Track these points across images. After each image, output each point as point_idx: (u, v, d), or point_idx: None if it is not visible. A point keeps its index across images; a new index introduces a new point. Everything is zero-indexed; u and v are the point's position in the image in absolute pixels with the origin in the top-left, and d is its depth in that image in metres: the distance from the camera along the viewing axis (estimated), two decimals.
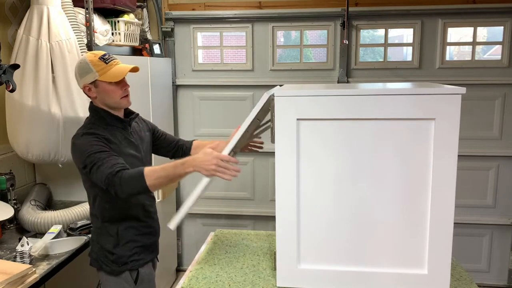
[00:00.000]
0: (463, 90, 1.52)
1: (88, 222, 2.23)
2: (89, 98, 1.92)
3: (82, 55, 2.40)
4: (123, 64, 1.89)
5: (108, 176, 1.67)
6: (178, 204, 3.81)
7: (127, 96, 1.90)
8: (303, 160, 1.62)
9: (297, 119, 1.59)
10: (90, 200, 1.92)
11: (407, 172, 1.60)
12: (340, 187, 1.62)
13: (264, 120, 1.78)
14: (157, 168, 1.69)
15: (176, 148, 2.20)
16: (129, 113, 1.99)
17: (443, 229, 1.61)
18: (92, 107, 1.90)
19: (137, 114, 2.04)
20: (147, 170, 1.67)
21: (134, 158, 1.90)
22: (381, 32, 3.56)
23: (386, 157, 1.57)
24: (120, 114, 1.94)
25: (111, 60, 1.85)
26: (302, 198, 1.64)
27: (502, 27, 3.38)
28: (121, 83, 1.87)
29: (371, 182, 1.61)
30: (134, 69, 1.90)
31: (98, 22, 2.70)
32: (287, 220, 1.66)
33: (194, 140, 2.23)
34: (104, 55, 1.85)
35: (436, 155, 1.57)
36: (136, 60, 3.00)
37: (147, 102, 3.04)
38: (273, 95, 1.58)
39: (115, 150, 1.81)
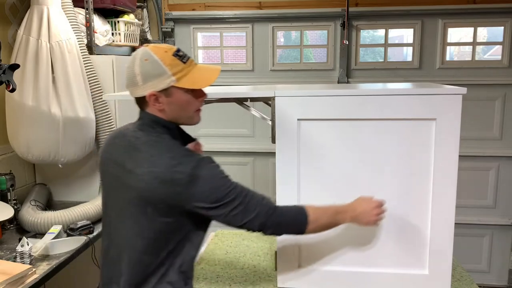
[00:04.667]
0: (464, 90, 1.52)
1: (88, 222, 2.22)
2: (151, 108, 1.35)
3: (85, 57, 2.39)
4: (201, 63, 1.46)
5: (268, 212, 1.34)
6: None
7: (199, 110, 1.41)
8: (303, 160, 1.62)
9: (298, 119, 1.59)
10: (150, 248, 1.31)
11: (408, 172, 1.60)
12: (341, 187, 1.62)
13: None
14: (318, 211, 1.43)
15: None
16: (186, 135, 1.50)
17: (444, 230, 1.61)
18: (160, 122, 1.34)
19: (195, 139, 1.52)
20: (311, 213, 1.40)
21: None
22: (381, 32, 3.56)
23: (387, 158, 1.57)
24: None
25: (188, 59, 1.34)
26: (303, 198, 1.64)
27: (502, 27, 3.38)
28: (198, 92, 1.37)
29: (371, 182, 1.61)
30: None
31: (98, 22, 2.70)
32: None
33: None
34: (178, 50, 1.34)
35: (437, 155, 1.57)
36: None
37: None
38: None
39: None
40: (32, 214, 2.27)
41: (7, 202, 2.29)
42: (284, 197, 1.63)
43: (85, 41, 2.53)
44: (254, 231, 1.36)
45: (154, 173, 1.25)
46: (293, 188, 1.63)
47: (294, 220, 1.40)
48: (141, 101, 1.36)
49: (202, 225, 1.38)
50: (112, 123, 2.54)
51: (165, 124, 1.34)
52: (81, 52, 2.42)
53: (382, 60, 3.57)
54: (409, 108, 1.55)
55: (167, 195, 1.25)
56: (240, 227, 1.34)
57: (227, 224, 1.34)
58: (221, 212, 1.30)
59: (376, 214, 1.48)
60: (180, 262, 1.33)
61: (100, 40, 2.70)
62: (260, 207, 1.34)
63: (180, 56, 1.32)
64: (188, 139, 1.46)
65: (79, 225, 2.19)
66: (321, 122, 1.60)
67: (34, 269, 1.78)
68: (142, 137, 1.34)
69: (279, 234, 1.45)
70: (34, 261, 1.91)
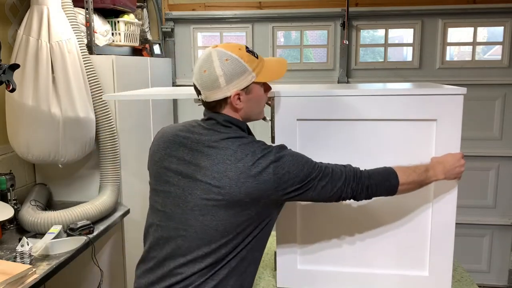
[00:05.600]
0: (464, 90, 1.52)
1: (88, 222, 2.22)
2: (227, 109, 1.36)
3: (85, 57, 2.39)
4: (267, 57, 1.45)
5: (355, 176, 1.36)
6: None
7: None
8: None
9: (297, 120, 1.59)
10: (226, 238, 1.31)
11: None
12: None
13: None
14: (408, 170, 1.43)
15: None
16: None
17: (444, 231, 1.60)
18: (233, 121, 1.37)
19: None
20: (400, 173, 1.42)
21: None
22: (381, 32, 3.56)
23: (387, 158, 1.57)
24: None
25: (257, 54, 1.39)
26: None
27: (502, 27, 3.38)
28: (267, 86, 1.42)
29: None
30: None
31: (98, 22, 2.70)
32: (287, 221, 1.66)
33: None
34: (247, 47, 1.37)
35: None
36: (136, 61, 3.00)
37: (147, 103, 3.04)
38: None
39: None
40: (32, 214, 2.27)
41: (7, 202, 2.29)
42: None
43: (85, 41, 2.53)
44: (346, 198, 1.37)
45: (239, 169, 1.26)
46: None
47: (385, 181, 1.39)
48: (219, 103, 1.35)
49: (274, 218, 1.40)
50: (112, 123, 2.54)
51: (238, 123, 1.36)
52: (81, 52, 2.42)
53: (382, 60, 3.57)
54: (410, 108, 1.55)
55: (255, 188, 1.26)
56: (331, 197, 1.36)
57: (318, 198, 1.36)
58: (312, 187, 1.31)
59: (462, 165, 1.49)
60: (247, 263, 1.35)
61: (100, 40, 2.70)
62: (346, 173, 1.36)
63: (252, 52, 1.35)
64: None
65: (79, 225, 2.19)
66: (320, 122, 1.59)
67: (34, 269, 1.78)
68: (215, 135, 1.34)
69: (371, 196, 1.41)
70: (34, 261, 1.91)
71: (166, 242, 1.35)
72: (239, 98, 1.33)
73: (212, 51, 1.34)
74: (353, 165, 1.41)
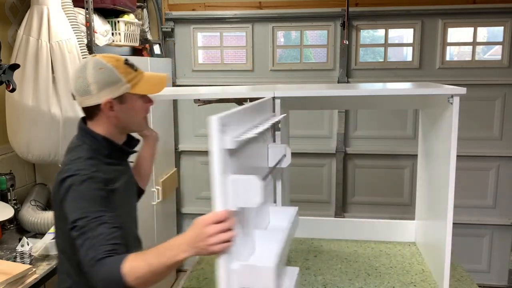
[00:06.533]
0: (463, 90, 1.52)
1: None
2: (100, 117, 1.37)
3: (85, 57, 2.40)
4: (148, 72, 1.47)
5: (90, 261, 1.15)
6: (179, 205, 3.81)
7: (147, 116, 1.48)
8: None
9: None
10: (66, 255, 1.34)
11: None
12: None
13: None
14: (139, 261, 1.12)
15: None
16: (129, 139, 1.50)
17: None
18: (90, 133, 1.38)
19: (139, 140, 1.54)
20: (127, 268, 1.11)
21: (132, 207, 1.50)
22: (381, 32, 3.56)
23: None
24: (122, 141, 1.46)
25: (137, 68, 1.43)
26: None
27: (502, 27, 3.38)
28: (146, 98, 1.44)
29: None
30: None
31: (98, 22, 2.70)
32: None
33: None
34: (126, 60, 1.41)
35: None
36: (136, 61, 2.99)
37: None
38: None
39: (117, 201, 1.33)
40: (32, 214, 2.27)
41: (7, 202, 2.29)
42: None
43: (85, 41, 2.53)
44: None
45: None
46: None
47: (111, 276, 1.13)
48: (93, 111, 1.37)
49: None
50: None
51: (95, 135, 1.37)
52: (81, 52, 2.42)
53: (382, 60, 3.57)
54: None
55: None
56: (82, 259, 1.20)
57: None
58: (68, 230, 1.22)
59: (212, 234, 1.05)
60: None
61: (100, 40, 2.70)
62: (92, 250, 1.16)
63: (130, 65, 1.40)
64: (132, 144, 1.49)
65: None
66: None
67: (34, 269, 1.78)
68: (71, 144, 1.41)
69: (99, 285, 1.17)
70: (34, 261, 1.91)
71: None
72: (111, 107, 1.35)
73: (90, 60, 1.38)
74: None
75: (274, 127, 1.61)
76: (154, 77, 1.46)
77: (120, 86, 1.35)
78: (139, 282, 1.12)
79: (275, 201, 1.67)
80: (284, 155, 1.51)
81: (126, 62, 1.40)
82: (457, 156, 1.57)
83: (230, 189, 1.08)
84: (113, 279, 1.12)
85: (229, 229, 1.06)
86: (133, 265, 1.11)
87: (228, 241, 1.06)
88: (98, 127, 1.38)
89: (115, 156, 1.41)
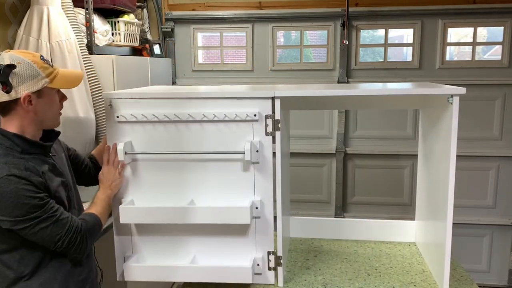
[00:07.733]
0: (463, 90, 1.52)
1: None
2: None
3: (85, 57, 2.39)
4: (63, 69, 1.52)
5: (72, 234, 1.42)
6: None
7: (61, 112, 1.56)
8: None
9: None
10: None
11: None
12: None
13: None
14: (96, 207, 1.62)
15: (88, 169, 1.82)
16: (48, 133, 1.54)
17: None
18: (5, 134, 1.40)
19: (59, 133, 1.60)
20: (99, 215, 1.59)
21: (64, 187, 1.52)
22: (381, 32, 3.56)
23: None
24: (38, 137, 1.49)
25: (52, 63, 1.48)
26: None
27: (502, 27, 3.38)
28: (61, 94, 1.52)
29: None
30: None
31: (98, 22, 2.70)
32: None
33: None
34: (42, 55, 1.45)
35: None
36: (136, 61, 3.00)
37: None
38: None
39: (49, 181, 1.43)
40: None
41: None
42: None
43: (85, 41, 2.53)
44: (61, 248, 1.44)
45: None
46: None
47: (95, 230, 1.56)
48: (6, 106, 1.38)
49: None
50: None
51: (5, 133, 1.39)
52: (81, 52, 2.42)
53: (382, 60, 3.57)
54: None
55: None
56: (48, 242, 1.42)
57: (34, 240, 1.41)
58: (17, 228, 1.36)
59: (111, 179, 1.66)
60: None
61: (100, 40, 2.70)
62: (61, 227, 1.43)
63: (46, 60, 1.43)
64: (48, 135, 1.53)
65: None
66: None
67: None
68: None
69: (89, 246, 1.54)
70: None
71: None
72: (30, 101, 1.38)
73: (5, 54, 1.39)
74: None
75: (274, 127, 1.61)
76: (70, 73, 1.55)
77: (39, 80, 1.38)
78: (103, 218, 1.60)
79: (274, 200, 1.67)
80: None
81: (42, 57, 1.43)
82: (457, 156, 1.58)
83: None
84: (97, 230, 1.55)
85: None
86: (96, 212, 1.59)
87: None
88: (12, 123, 1.40)
89: (32, 151, 1.42)
